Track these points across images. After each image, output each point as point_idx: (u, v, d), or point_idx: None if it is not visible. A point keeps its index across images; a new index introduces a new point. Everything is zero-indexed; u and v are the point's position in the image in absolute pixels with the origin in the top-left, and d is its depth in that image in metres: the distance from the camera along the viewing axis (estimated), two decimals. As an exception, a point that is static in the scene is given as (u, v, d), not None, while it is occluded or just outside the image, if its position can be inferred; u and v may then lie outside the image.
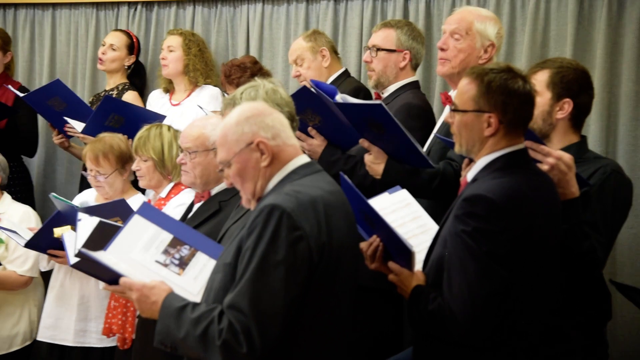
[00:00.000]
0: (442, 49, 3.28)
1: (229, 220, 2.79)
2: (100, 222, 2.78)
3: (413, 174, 3.00)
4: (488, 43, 3.25)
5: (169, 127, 3.63)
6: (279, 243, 2.10)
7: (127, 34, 4.78)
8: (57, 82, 4.29)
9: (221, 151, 2.30)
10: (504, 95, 2.33)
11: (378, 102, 2.87)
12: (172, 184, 3.55)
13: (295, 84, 4.15)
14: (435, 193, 3.01)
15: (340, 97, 3.04)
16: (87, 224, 3.03)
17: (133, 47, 4.74)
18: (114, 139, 3.79)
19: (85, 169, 3.86)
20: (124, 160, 3.75)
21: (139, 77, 4.81)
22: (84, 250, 2.43)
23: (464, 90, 2.38)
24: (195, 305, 2.18)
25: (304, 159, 2.32)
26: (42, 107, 4.29)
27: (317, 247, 2.15)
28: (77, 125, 4.18)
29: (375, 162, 3.06)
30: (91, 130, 4.06)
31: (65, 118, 4.20)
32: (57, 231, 3.46)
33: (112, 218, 3.27)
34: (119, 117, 4.03)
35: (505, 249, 2.23)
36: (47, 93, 4.23)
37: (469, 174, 2.43)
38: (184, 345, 2.15)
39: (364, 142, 3.07)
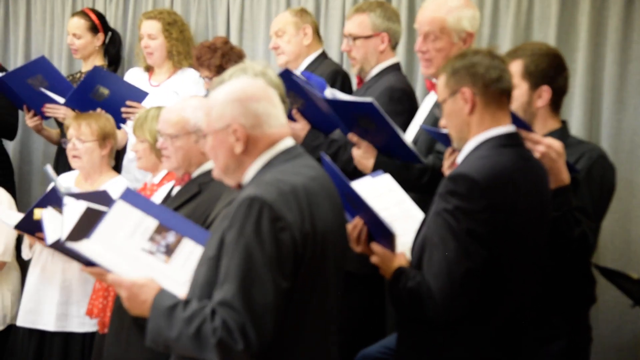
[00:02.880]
0: (421, 52, 3.22)
1: (220, 203, 2.74)
2: (88, 209, 2.71)
3: (403, 169, 2.97)
4: (465, 35, 3.18)
5: None
6: (262, 236, 2.05)
7: (86, 15, 4.65)
8: (42, 59, 4.22)
9: (204, 120, 2.30)
10: (467, 68, 2.35)
11: (369, 100, 2.82)
12: (166, 170, 3.49)
13: (278, 66, 4.10)
14: (425, 188, 2.98)
15: (329, 92, 3.00)
16: (74, 210, 2.96)
17: (96, 27, 4.64)
18: (100, 115, 3.85)
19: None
20: (105, 134, 3.76)
21: (115, 48, 4.71)
22: (68, 244, 2.36)
23: (440, 84, 2.43)
24: (186, 303, 2.14)
25: (286, 143, 2.26)
26: (21, 86, 4.20)
27: (301, 237, 2.11)
28: (58, 99, 4.12)
29: (364, 156, 3.02)
30: (74, 101, 4.02)
31: (45, 92, 4.13)
32: (37, 213, 3.39)
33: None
34: (104, 89, 3.99)
35: (486, 227, 2.23)
36: (30, 71, 4.16)
37: (459, 157, 2.41)
38: (178, 345, 2.11)
39: (352, 137, 3.02)
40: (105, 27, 4.70)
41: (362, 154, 3.03)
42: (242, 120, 2.20)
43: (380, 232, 2.47)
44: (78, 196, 3.24)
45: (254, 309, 2.02)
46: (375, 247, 2.48)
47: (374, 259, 2.49)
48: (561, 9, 3.97)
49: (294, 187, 2.14)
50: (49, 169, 3.36)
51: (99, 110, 3.99)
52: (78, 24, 4.60)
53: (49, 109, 4.21)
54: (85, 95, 4.00)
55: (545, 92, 2.71)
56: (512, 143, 2.37)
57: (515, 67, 2.71)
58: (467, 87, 2.35)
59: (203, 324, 2.05)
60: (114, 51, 4.70)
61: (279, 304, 2.06)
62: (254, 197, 2.08)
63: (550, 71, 2.72)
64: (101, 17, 4.70)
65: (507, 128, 2.37)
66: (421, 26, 3.21)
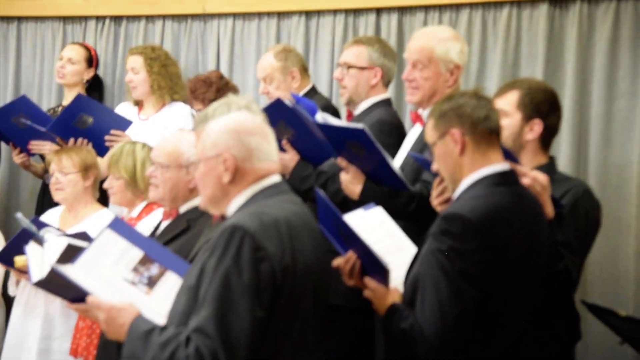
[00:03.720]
0: (408, 80, 3.25)
1: (201, 239, 2.74)
2: (69, 245, 2.71)
3: (390, 196, 2.98)
4: (452, 66, 3.21)
5: (144, 145, 3.58)
6: (242, 264, 2.07)
7: (85, 47, 4.72)
8: (23, 98, 4.22)
9: (198, 146, 2.33)
10: (454, 110, 2.37)
11: (361, 126, 2.84)
12: (144, 203, 3.50)
13: (267, 99, 4.13)
14: (412, 215, 2.99)
15: (320, 117, 3.02)
16: (55, 245, 2.95)
17: (92, 60, 4.67)
18: (81, 147, 3.89)
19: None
20: (86, 165, 3.77)
21: (97, 91, 4.74)
22: (55, 267, 2.36)
23: (428, 127, 2.44)
24: (162, 328, 2.15)
25: (273, 179, 2.30)
26: (5, 125, 4.20)
27: (280, 269, 2.12)
28: (41, 128, 4.12)
29: (352, 182, 3.03)
30: (57, 129, 4.02)
31: (28, 122, 4.11)
32: (19, 260, 3.39)
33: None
34: (88, 117, 4.01)
35: (479, 268, 2.22)
36: (12, 110, 4.16)
37: (455, 193, 2.42)
38: None
39: (341, 162, 3.03)
40: (97, 67, 4.74)
41: (350, 179, 3.04)
42: (234, 152, 2.24)
43: (374, 267, 2.46)
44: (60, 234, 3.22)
45: (228, 337, 2.03)
46: (369, 282, 2.48)
47: (367, 294, 2.49)
48: (548, 46, 4.01)
49: (276, 220, 2.17)
50: (20, 215, 3.36)
51: (80, 140, 3.99)
52: (77, 51, 4.65)
53: (35, 146, 4.21)
54: (68, 124, 4.01)
55: (537, 126, 2.73)
56: (506, 181, 2.37)
57: (511, 97, 2.75)
58: (456, 128, 2.36)
59: (177, 350, 2.06)
60: (98, 98, 4.70)
61: (254, 333, 2.07)
62: (236, 226, 2.11)
63: (544, 106, 2.75)
64: (97, 57, 4.76)
65: (501, 166, 2.38)
66: (410, 54, 3.25)
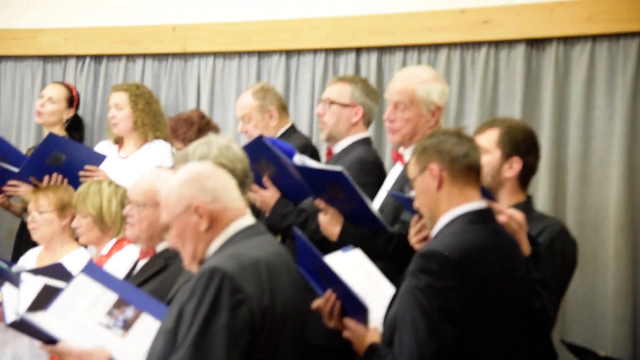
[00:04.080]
0: (389, 120, 3.27)
1: (180, 279, 2.72)
2: (45, 286, 2.70)
3: (369, 237, 2.99)
4: (433, 107, 3.23)
5: (110, 183, 3.61)
6: (220, 307, 2.07)
7: (67, 86, 4.73)
8: None
9: (163, 212, 2.31)
10: (435, 146, 2.41)
11: (339, 169, 2.86)
12: (114, 240, 3.49)
13: (246, 138, 4.13)
14: (391, 257, 3.00)
15: (299, 159, 3.03)
16: (31, 286, 2.93)
17: (72, 100, 4.68)
18: (58, 186, 3.88)
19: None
20: (63, 203, 3.75)
21: (78, 131, 4.73)
22: (24, 316, 2.35)
23: (410, 163, 2.48)
24: None
25: (247, 220, 2.31)
26: None
27: (259, 311, 2.13)
28: (12, 169, 4.08)
29: (330, 223, 3.03)
30: (30, 169, 3.99)
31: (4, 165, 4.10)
32: None
33: None
34: (61, 154, 3.99)
35: (457, 305, 2.23)
36: None
37: (433, 230, 2.43)
38: None
39: (320, 203, 3.04)
40: (77, 107, 4.73)
41: (329, 220, 3.04)
42: (201, 197, 2.25)
43: (353, 307, 2.47)
44: (35, 272, 3.20)
45: None
46: (349, 322, 2.48)
47: (346, 334, 2.49)
48: (525, 86, 4.05)
49: (255, 261, 2.17)
50: None
51: (54, 176, 3.98)
52: (58, 90, 4.65)
53: (9, 188, 4.16)
54: (41, 163, 3.99)
55: (516, 164, 2.76)
56: (483, 219, 2.39)
57: (491, 135, 2.78)
58: (435, 163, 2.38)
59: None
60: (78, 138, 4.69)
61: None
62: (215, 269, 2.11)
63: (523, 145, 2.78)
64: (78, 97, 4.75)
65: (479, 204, 2.40)
66: (391, 95, 3.26)
